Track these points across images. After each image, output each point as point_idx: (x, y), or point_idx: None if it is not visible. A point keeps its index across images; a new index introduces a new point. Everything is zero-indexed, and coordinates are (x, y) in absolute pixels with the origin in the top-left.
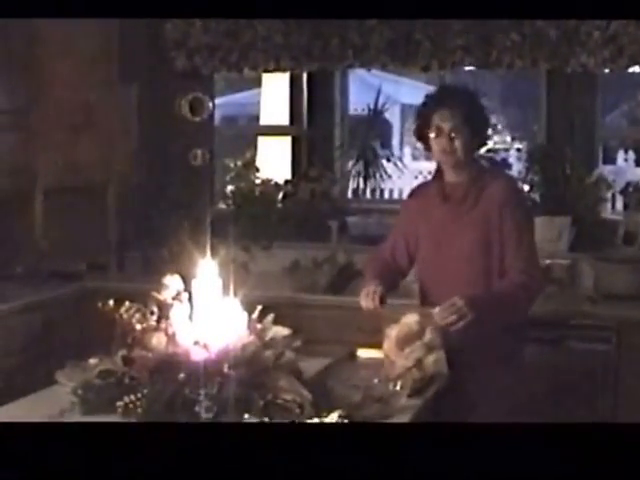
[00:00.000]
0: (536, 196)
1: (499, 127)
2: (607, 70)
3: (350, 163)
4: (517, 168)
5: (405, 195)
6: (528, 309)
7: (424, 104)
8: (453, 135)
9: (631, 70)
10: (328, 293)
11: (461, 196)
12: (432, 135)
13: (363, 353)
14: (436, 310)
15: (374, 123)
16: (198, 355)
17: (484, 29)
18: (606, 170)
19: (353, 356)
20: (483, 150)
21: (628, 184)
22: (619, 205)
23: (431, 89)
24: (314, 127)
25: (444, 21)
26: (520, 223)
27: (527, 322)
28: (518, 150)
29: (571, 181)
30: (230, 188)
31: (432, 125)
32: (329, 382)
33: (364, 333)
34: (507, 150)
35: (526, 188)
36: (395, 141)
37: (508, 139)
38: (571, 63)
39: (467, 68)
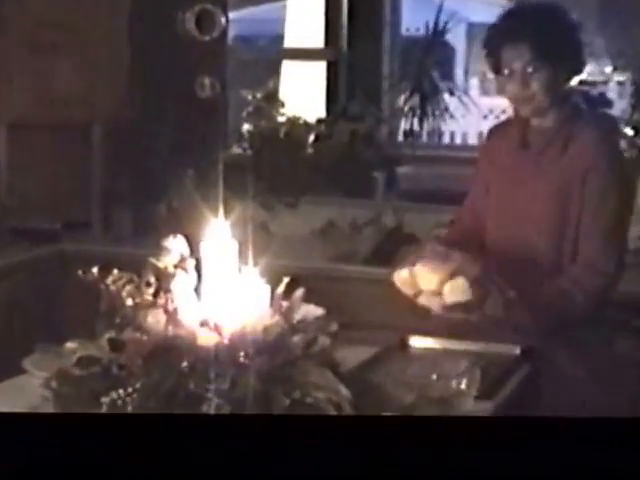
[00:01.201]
0: None
1: (595, 53)
2: None
3: (402, 97)
4: (619, 106)
5: (471, 139)
6: (585, 312)
7: (488, 36)
8: (527, 75)
9: None
10: (372, 264)
11: (543, 144)
12: (503, 75)
13: (417, 341)
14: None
15: (433, 47)
16: (207, 339)
17: None
18: None
19: (405, 345)
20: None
21: None
22: None
23: (498, 10)
24: (356, 51)
25: None
26: (604, 200)
27: (614, 307)
28: (619, 83)
29: None
30: (247, 127)
31: (501, 63)
32: (374, 377)
33: (419, 316)
34: (605, 83)
35: (630, 133)
36: (459, 70)
37: (607, 69)
38: None
39: None
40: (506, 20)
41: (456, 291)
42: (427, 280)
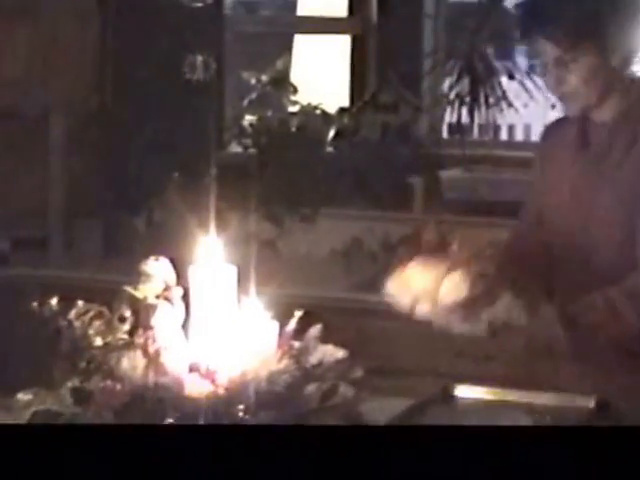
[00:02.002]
0: None
1: None
2: None
3: (447, 82)
4: None
5: (536, 134)
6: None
7: (520, 22)
8: (561, 69)
9: None
10: None
11: (604, 143)
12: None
13: (464, 391)
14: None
15: (489, 15)
16: (196, 388)
17: None
18: None
19: (448, 396)
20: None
21: None
22: None
23: None
24: (388, 21)
25: None
26: None
27: None
28: None
29: None
30: (250, 119)
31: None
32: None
33: (466, 360)
34: None
35: None
36: (522, 47)
37: None
38: None
39: None
40: (528, 6)
41: (453, 289)
42: (420, 280)
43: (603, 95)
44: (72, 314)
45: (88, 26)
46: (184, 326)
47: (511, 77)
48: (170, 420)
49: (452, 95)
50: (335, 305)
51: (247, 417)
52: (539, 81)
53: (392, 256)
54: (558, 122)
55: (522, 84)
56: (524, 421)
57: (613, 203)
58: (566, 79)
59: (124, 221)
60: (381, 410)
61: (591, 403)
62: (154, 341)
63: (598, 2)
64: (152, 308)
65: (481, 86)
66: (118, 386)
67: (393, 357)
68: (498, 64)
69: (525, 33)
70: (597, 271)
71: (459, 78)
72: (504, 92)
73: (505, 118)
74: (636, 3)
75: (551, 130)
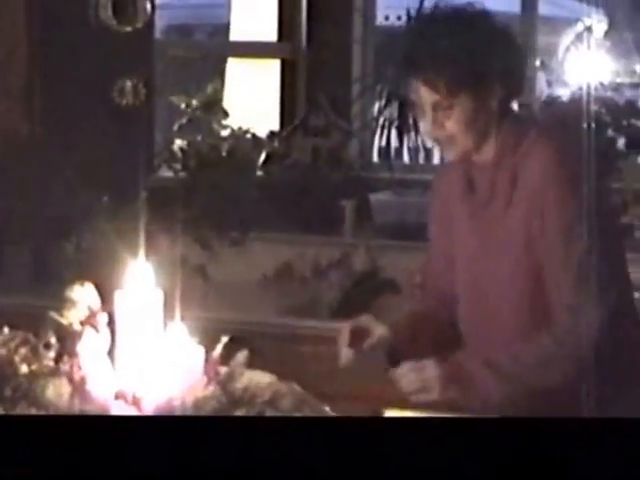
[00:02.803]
0: None
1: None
2: None
3: (377, 106)
4: None
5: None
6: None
7: (397, 66)
8: (439, 115)
9: None
10: (338, 317)
11: (487, 184)
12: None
13: (393, 413)
14: (401, 367)
15: None
16: (123, 415)
17: None
18: None
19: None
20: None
21: None
22: None
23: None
24: (318, 46)
25: None
26: (571, 222)
27: None
28: None
29: None
30: (180, 143)
31: (409, 98)
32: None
33: (394, 384)
34: (637, 86)
35: None
36: None
37: (637, 68)
38: None
39: None
40: (404, 44)
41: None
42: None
43: (482, 138)
44: None
45: (16, 49)
46: (110, 352)
47: None
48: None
49: (381, 119)
50: (264, 331)
51: None
52: None
53: (322, 280)
54: (446, 167)
55: None
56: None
57: (510, 248)
58: (444, 124)
59: (52, 247)
60: None
61: None
62: (79, 368)
63: (473, 46)
64: (77, 334)
65: (410, 110)
66: (43, 414)
67: (325, 382)
68: None
69: (402, 77)
70: (504, 324)
71: (388, 103)
72: None
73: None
74: (512, 45)
75: (440, 175)
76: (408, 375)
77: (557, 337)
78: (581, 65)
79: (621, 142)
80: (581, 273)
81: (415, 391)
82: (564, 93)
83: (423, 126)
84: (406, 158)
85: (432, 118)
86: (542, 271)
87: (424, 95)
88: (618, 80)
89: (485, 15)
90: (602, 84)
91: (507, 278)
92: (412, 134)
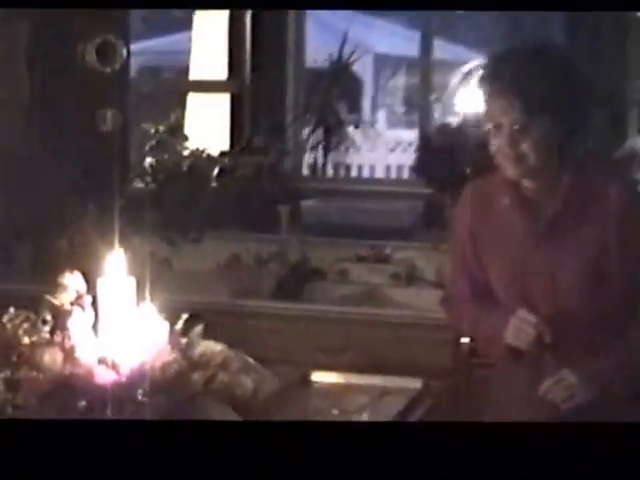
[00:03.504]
0: None
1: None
2: None
3: (306, 130)
4: None
5: (379, 172)
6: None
7: (478, 79)
8: (516, 133)
9: None
10: (276, 298)
11: (556, 210)
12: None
13: (320, 377)
14: (544, 384)
15: (339, 78)
16: (104, 377)
17: None
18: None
19: (307, 381)
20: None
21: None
22: None
23: (404, 41)
24: (260, 83)
25: None
26: None
27: None
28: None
29: None
30: (149, 161)
31: (488, 114)
32: (274, 412)
33: (321, 351)
34: None
35: None
36: (366, 102)
37: None
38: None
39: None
40: (492, 66)
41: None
42: None
43: (547, 164)
44: (5, 318)
45: (20, 87)
46: (94, 327)
47: (357, 127)
48: (83, 403)
49: (310, 141)
50: (218, 309)
51: (145, 399)
52: (380, 130)
53: (263, 269)
54: (479, 186)
55: (366, 133)
56: (363, 400)
57: (573, 271)
58: (518, 142)
59: (49, 244)
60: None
61: (419, 384)
62: (69, 339)
63: (550, 80)
64: (68, 313)
65: (333, 134)
66: (41, 376)
67: (264, 349)
68: (347, 117)
69: (493, 89)
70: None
71: (315, 128)
72: (352, 139)
73: (353, 159)
74: (582, 88)
75: (475, 193)
76: (553, 389)
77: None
78: (469, 99)
79: None
80: None
81: (565, 400)
82: (455, 121)
83: (498, 142)
84: (330, 172)
85: (509, 135)
86: (612, 286)
87: (505, 112)
88: None
89: (563, 56)
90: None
91: (573, 293)
92: (335, 153)
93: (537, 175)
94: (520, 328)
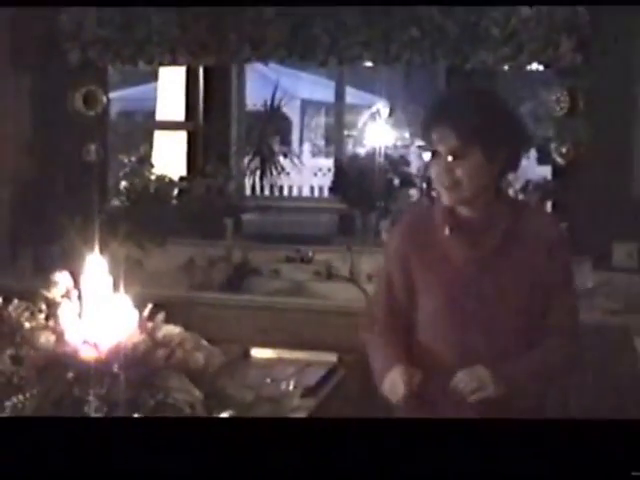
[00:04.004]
0: (433, 193)
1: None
2: (507, 67)
3: (246, 159)
4: (415, 165)
5: (304, 192)
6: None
7: (423, 116)
8: (452, 161)
9: (532, 68)
10: (223, 291)
11: (494, 243)
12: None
13: (257, 352)
14: (456, 376)
15: (272, 119)
16: (87, 354)
17: (383, 24)
18: None
19: (247, 355)
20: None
21: (528, 182)
22: None
23: (327, 89)
24: (210, 122)
25: (343, 15)
26: (568, 271)
27: None
28: (419, 147)
29: None
30: (124, 184)
31: (430, 143)
32: (221, 381)
33: (258, 332)
34: (407, 147)
35: (424, 185)
36: (294, 137)
37: (407, 135)
38: (471, 60)
39: (366, 64)
40: (436, 102)
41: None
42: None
43: (481, 193)
44: (10, 308)
45: (23, 129)
46: (79, 315)
47: (285, 157)
48: (71, 374)
49: (250, 168)
50: (177, 300)
51: (121, 372)
52: (304, 159)
53: (213, 268)
54: (413, 214)
55: (292, 161)
56: (290, 370)
57: (499, 292)
58: (454, 170)
59: (46, 249)
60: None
61: (334, 357)
62: (60, 325)
63: (486, 117)
64: (59, 304)
65: (267, 163)
66: (39, 353)
67: (214, 331)
68: (279, 149)
69: (426, 128)
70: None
71: (253, 158)
72: (282, 166)
73: (284, 181)
74: (516, 131)
75: (409, 221)
76: (464, 379)
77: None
78: (373, 134)
79: (397, 182)
80: (574, 307)
81: (473, 391)
82: (362, 152)
83: (436, 170)
84: (265, 192)
85: (446, 164)
86: (534, 304)
87: (444, 141)
88: (396, 143)
89: (499, 97)
90: (386, 146)
91: (497, 311)
92: (269, 177)
93: (473, 204)
94: (393, 384)
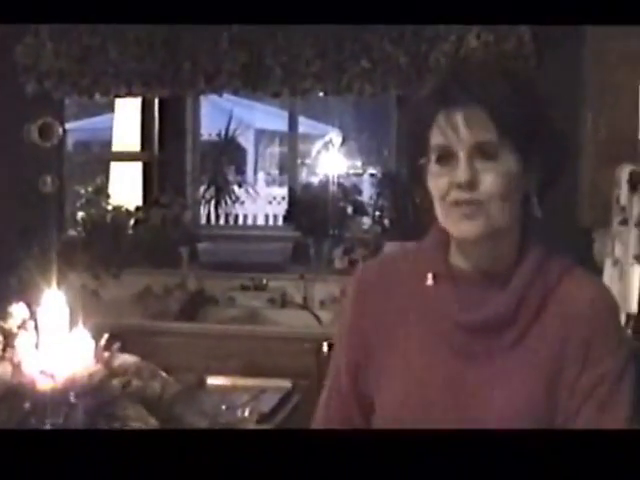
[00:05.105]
0: (386, 221)
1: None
2: None
3: (202, 189)
4: (368, 194)
5: (259, 220)
6: None
7: (414, 109)
8: (485, 161)
9: None
10: (179, 320)
11: (496, 296)
12: (432, 162)
13: (213, 380)
14: None
15: (226, 148)
16: (44, 384)
17: (335, 55)
18: None
19: (202, 383)
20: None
21: None
22: None
23: (280, 119)
24: (165, 153)
25: (296, 47)
26: (622, 370)
27: None
28: (372, 175)
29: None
30: (81, 215)
31: (432, 141)
32: (177, 409)
33: (214, 360)
34: (360, 175)
35: (377, 214)
36: (249, 167)
37: (359, 164)
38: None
39: (319, 94)
40: (454, 71)
41: None
42: None
43: (506, 219)
44: None
45: None
46: (36, 346)
47: (240, 186)
48: (27, 405)
49: (205, 197)
50: (133, 329)
51: (77, 402)
52: (259, 188)
53: (169, 297)
54: (384, 263)
55: (247, 191)
56: (245, 397)
57: (512, 396)
58: (477, 179)
59: (3, 280)
60: (161, 393)
61: (289, 384)
62: (17, 355)
63: (532, 99)
64: (15, 335)
65: (222, 192)
66: None
67: (170, 359)
68: (233, 178)
69: (446, 97)
70: None
71: (208, 187)
72: (237, 196)
73: (239, 210)
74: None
75: (376, 272)
76: None
77: None
78: (326, 163)
79: (349, 210)
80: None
81: None
82: (316, 181)
83: (444, 180)
84: (220, 221)
85: (466, 167)
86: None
87: (469, 130)
88: (349, 171)
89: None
90: (339, 174)
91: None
92: (224, 206)
93: (490, 241)
94: None
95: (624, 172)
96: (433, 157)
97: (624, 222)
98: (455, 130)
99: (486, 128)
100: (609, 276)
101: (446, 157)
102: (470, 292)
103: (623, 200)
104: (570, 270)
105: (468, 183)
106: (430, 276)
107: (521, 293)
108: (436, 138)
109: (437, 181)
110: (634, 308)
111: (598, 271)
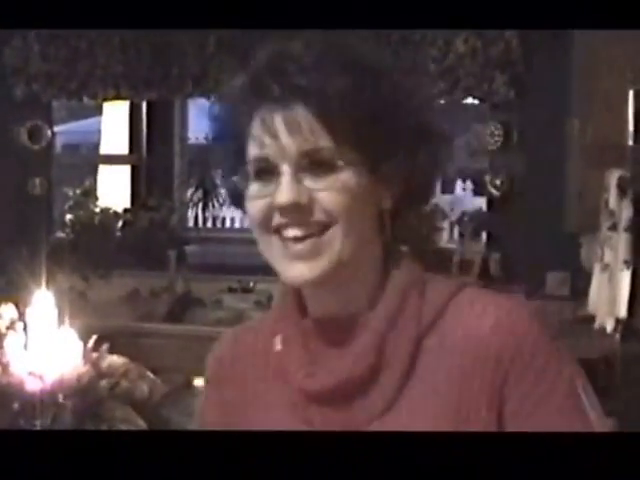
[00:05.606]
0: None
1: None
2: (443, 101)
3: (189, 192)
4: None
5: (246, 223)
6: None
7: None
8: (309, 176)
9: (466, 101)
10: (166, 321)
11: (353, 367)
12: (250, 179)
13: (200, 382)
14: None
15: (212, 153)
16: (33, 385)
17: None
18: (443, 199)
19: (190, 384)
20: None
21: (464, 213)
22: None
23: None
24: (153, 156)
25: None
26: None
27: None
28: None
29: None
30: (69, 217)
31: (249, 152)
32: (165, 411)
33: (202, 362)
34: None
35: None
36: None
37: None
38: None
39: None
40: (266, 59)
41: None
42: None
43: (358, 251)
44: None
45: None
46: (25, 346)
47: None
48: (16, 405)
49: (192, 200)
50: (121, 331)
51: (66, 402)
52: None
53: (157, 299)
54: (245, 332)
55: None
56: None
57: None
58: (311, 198)
59: None
60: (149, 394)
61: None
62: (6, 356)
63: (382, 93)
64: (4, 336)
65: (209, 195)
66: None
67: (157, 361)
68: (220, 181)
69: (260, 98)
70: None
71: (196, 190)
72: (224, 198)
73: (225, 213)
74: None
75: (239, 344)
76: None
77: None
78: None
79: None
80: None
81: None
82: None
83: (266, 207)
84: (208, 224)
85: (292, 184)
86: None
87: (286, 142)
88: None
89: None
90: None
91: None
92: (210, 209)
93: (344, 282)
94: None
95: (613, 177)
96: (251, 172)
97: (613, 227)
98: (274, 137)
99: (316, 133)
100: (598, 281)
101: (266, 172)
102: (325, 351)
103: (612, 205)
104: (455, 295)
105: (293, 206)
106: (278, 339)
107: (378, 344)
108: (252, 148)
109: (254, 204)
110: (623, 313)
111: (586, 277)
